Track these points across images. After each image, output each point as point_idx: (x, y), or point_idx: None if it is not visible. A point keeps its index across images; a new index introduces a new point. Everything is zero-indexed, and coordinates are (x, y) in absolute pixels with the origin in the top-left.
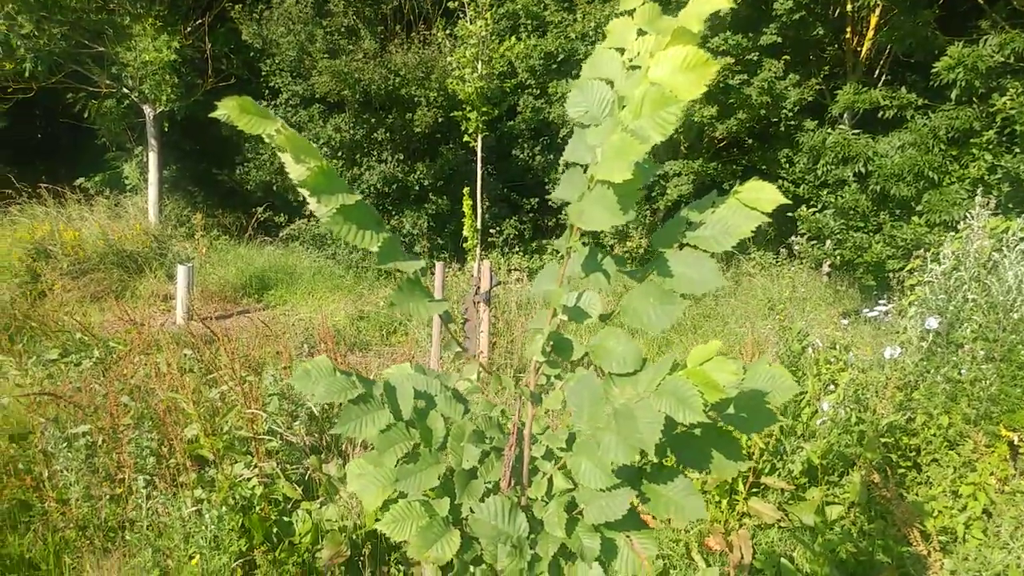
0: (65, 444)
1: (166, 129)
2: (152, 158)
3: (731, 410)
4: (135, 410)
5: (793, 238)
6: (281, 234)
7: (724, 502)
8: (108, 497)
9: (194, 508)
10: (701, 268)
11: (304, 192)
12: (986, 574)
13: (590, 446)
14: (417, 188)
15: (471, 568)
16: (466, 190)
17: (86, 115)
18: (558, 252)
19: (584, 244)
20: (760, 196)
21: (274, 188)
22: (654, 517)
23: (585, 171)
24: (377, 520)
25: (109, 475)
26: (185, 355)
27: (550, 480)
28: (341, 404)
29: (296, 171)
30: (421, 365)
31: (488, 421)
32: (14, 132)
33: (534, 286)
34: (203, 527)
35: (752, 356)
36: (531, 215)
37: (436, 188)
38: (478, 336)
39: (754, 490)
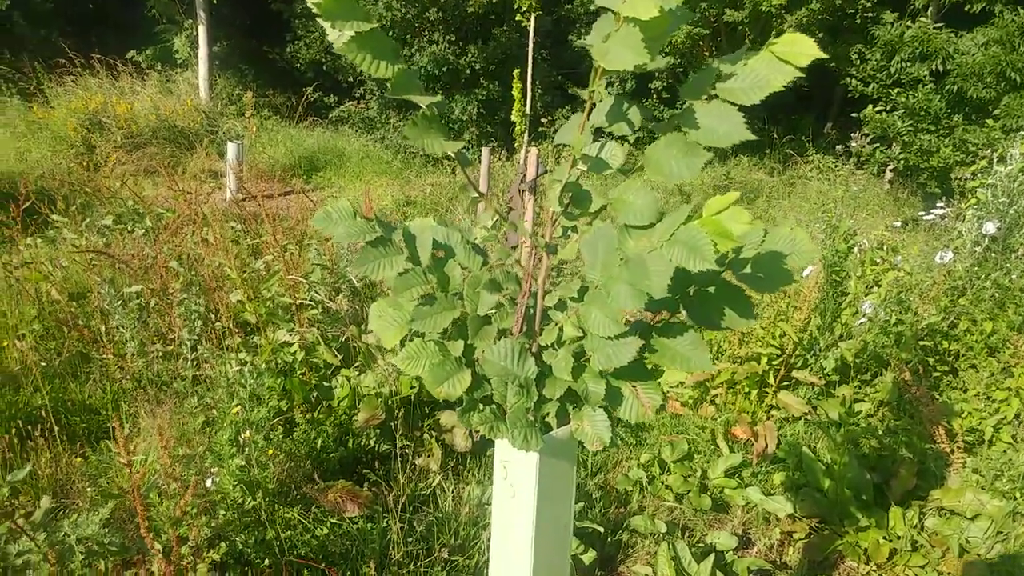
0: (120, 303)
1: (215, 1)
2: (202, 32)
3: (748, 270)
4: (184, 275)
5: (853, 135)
6: (331, 115)
7: (754, 393)
8: (160, 354)
9: (238, 368)
10: (728, 120)
11: (319, 18)
12: (1009, 474)
13: (601, 295)
14: (468, 72)
15: (480, 406)
16: (516, 72)
17: None
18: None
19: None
20: (795, 49)
21: (324, 68)
22: (694, 406)
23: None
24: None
25: (161, 333)
26: (232, 227)
27: (560, 328)
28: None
29: None
30: (444, 219)
31: (505, 273)
32: (65, 1)
33: (556, 136)
34: (244, 384)
35: None
36: (584, 105)
37: (488, 73)
38: (522, 225)
39: (784, 384)
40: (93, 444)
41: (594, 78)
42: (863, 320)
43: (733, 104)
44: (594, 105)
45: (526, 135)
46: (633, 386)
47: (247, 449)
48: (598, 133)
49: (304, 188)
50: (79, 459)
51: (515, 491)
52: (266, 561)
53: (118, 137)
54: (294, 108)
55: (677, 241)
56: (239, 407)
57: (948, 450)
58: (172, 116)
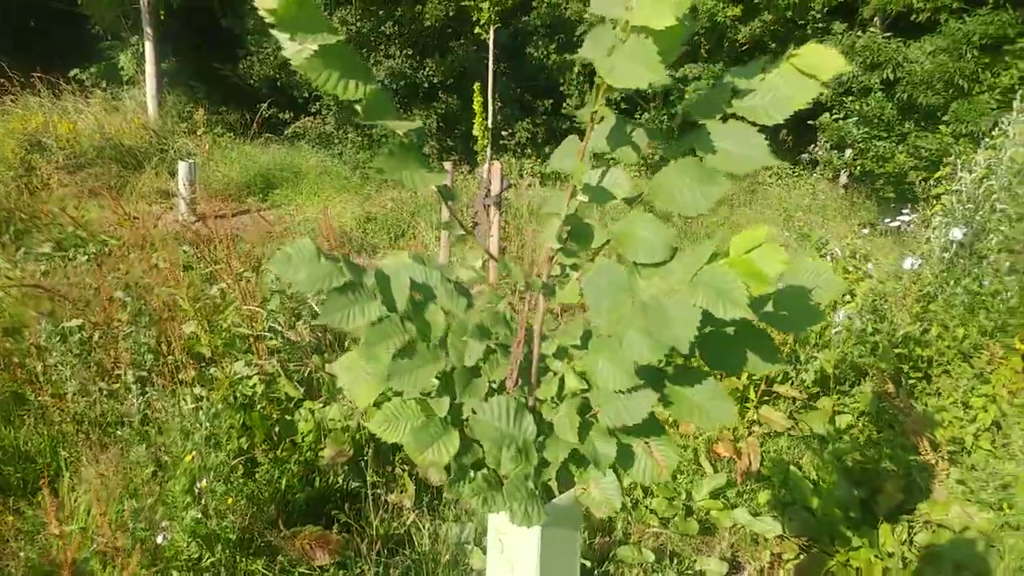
0: (59, 339)
1: (163, 17)
2: (149, 48)
3: (770, 307)
4: (131, 306)
5: (812, 146)
6: (286, 132)
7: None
8: (105, 393)
9: (193, 406)
10: (748, 143)
11: (274, 29)
12: (993, 484)
13: (609, 344)
14: (426, 86)
15: (471, 473)
16: (476, 86)
17: (79, 1)
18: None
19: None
20: (818, 62)
21: (279, 84)
22: (674, 424)
23: (615, 27)
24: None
25: (105, 371)
26: (184, 251)
27: (561, 380)
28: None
29: (265, 0)
30: (421, 255)
31: (494, 316)
32: (5, 19)
33: (551, 162)
34: (199, 424)
35: None
36: (544, 118)
37: (446, 86)
38: (487, 241)
39: (765, 398)
40: (29, 496)
41: (595, 96)
42: (838, 329)
43: (753, 124)
44: (594, 126)
45: (489, 148)
46: (646, 442)
47: (204, 499)
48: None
49: (260, 207)
50: (11, 517)
51: (513, 566)
52: None
53: (60, 158)
54: (248, 125)
55: (701, 284)
56: (195, 452)
57: (932, 461)
58: (119, 135)
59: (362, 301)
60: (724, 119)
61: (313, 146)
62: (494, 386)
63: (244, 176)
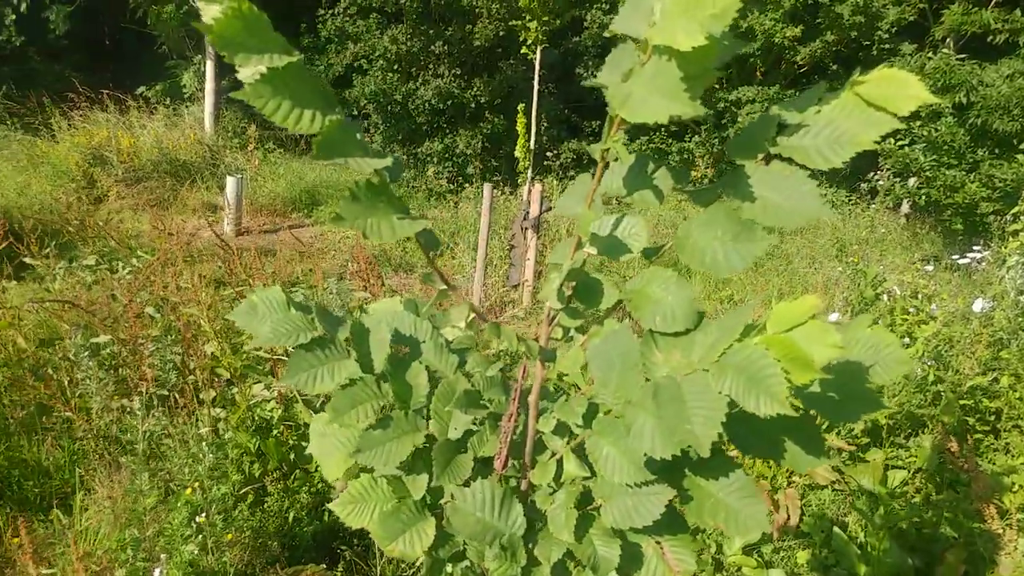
0: (87, 353)
1: None
2: (209, 66)
3: (816, 387)
4: (161, 322)
5: (874, 173)
6: None
7: None
8: (126, 411)
9: (209, 428)
10: (796, 191)
11: (216, 47)
12: None
13: (616, 427)
14: (473, 106)
15: (449, 567)
16: (521, 106)
17: (148, 21)
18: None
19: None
20: (893, 91)
21: None
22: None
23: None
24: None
25: (129, 388)
26: (219, 267)
27: (560, 463)
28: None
29: (207, 10)
30: (414, 300)
31: (488, 380)
32: (83, 36)
33: (557, 206)
34: (202, 457)
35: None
36: (591, 139)
37: (493, 106)
38: (523, 264)
39: None
40: (44, 512)
41: (608, 131)
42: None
43: (803, 167)
44: (607, 165)
45: (530, 171)
46: (658, 542)
47: (203, 533)
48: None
49: (304, 223)
50: (15, 540)
51: None
52: None
53: (120, 171)
54: (298, 141)
55: (731, 366)
56: (197, 484)
57: (999, 530)
58: (175, 150)
59: (333, 359)
60: (767, 159)
61: None
62: (481, 465)
63: (290, 192)
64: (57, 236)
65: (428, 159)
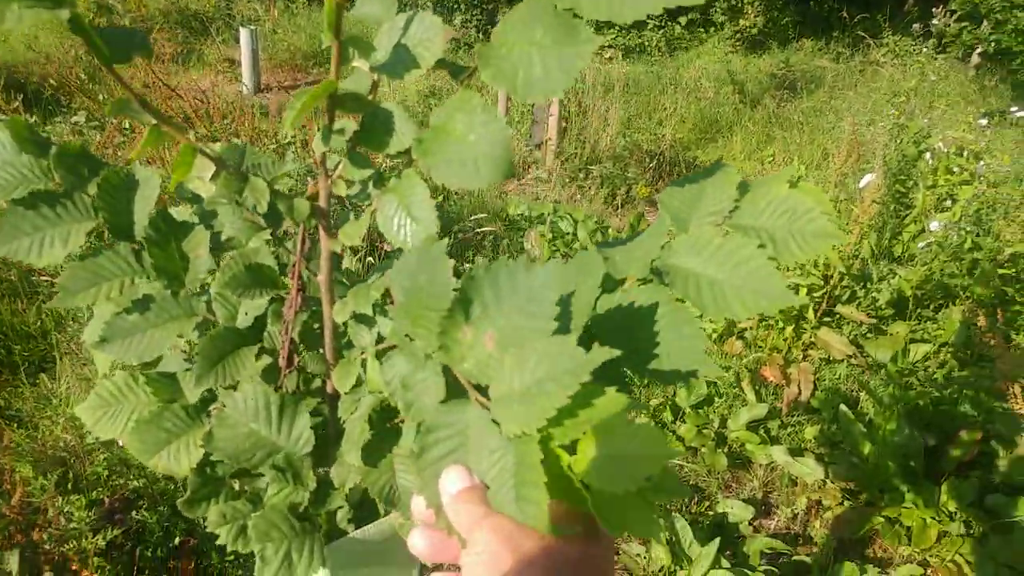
0: None
1: None
2: None
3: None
4: None
5: (935, 10)
6: None
7: (789, 329)
8: None
9: None
10: None
11: None
12: None
13: (415, 348)
14: None
15: (223, 493)
16: None
17: None
18: None
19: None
20: None
21: None
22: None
23: None
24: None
25: None
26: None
27: (363, 364)
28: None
29: None
30: (241, 146)
31: (252, 252)
32: None
33: (356, 4)
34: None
35: (845, 162)
36: None
37: None
38: (547, 120)
39: (826, 319)
40: (34, 376)
41: None
42: (928, 242)
43: None
44: None
45: None
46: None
47: None
48: None
49: (327, 78)
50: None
51: None
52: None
53: (126, 21)
54: None
55: None
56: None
57: (1022, 411)
58: None
59: (69, 222)
60: None
61: None
62: (270, 361)
63: (311, 45)
64: (63, 90)
65: (456, 7)
